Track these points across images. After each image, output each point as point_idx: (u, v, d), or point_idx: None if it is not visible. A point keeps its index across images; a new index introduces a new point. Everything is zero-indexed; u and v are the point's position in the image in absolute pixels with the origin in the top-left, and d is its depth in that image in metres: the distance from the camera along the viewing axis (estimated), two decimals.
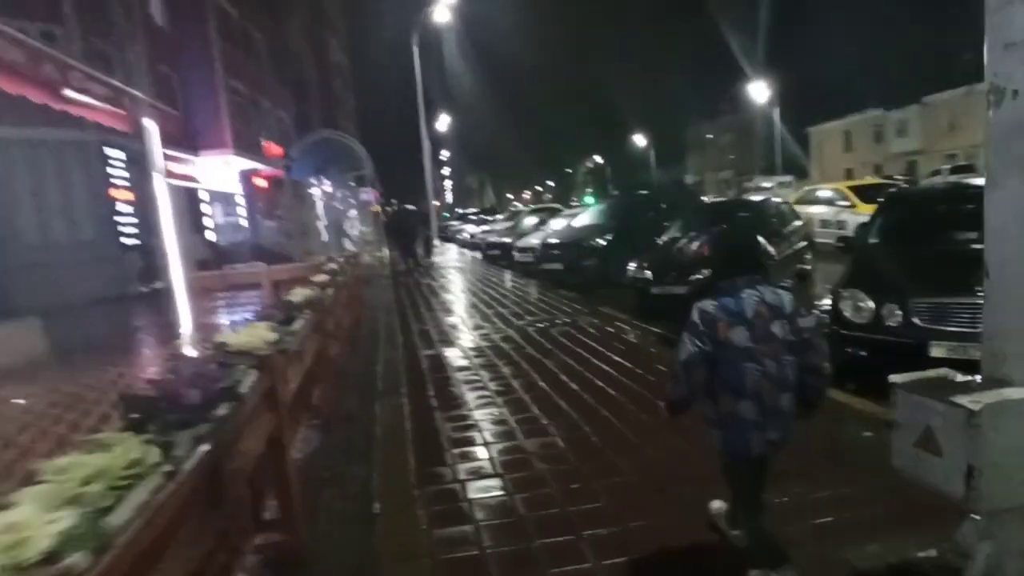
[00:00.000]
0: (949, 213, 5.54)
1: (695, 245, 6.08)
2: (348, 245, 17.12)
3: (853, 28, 45.25)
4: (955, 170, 31.05)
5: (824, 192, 14.45)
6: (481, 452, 3.65)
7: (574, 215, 14.99)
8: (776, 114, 49.34)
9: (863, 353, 4.46)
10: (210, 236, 21.86)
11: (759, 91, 49.67)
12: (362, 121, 47.50)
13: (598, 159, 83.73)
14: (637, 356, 5.59)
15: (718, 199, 14.44)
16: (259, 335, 2.66)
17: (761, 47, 52.95)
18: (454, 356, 6.19)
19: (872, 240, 5.66)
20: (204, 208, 21.68)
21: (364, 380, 5.58)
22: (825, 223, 13.34)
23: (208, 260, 20.68)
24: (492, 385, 5.01)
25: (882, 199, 6.75)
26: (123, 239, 15.76)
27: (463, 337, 7.16)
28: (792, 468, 2.93)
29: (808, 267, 9.88)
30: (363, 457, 3.72)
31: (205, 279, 10.78)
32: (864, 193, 13.07)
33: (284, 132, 27.92)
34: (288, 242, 17.59)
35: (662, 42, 76.36)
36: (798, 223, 10.08)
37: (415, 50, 25.81)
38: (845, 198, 13.12)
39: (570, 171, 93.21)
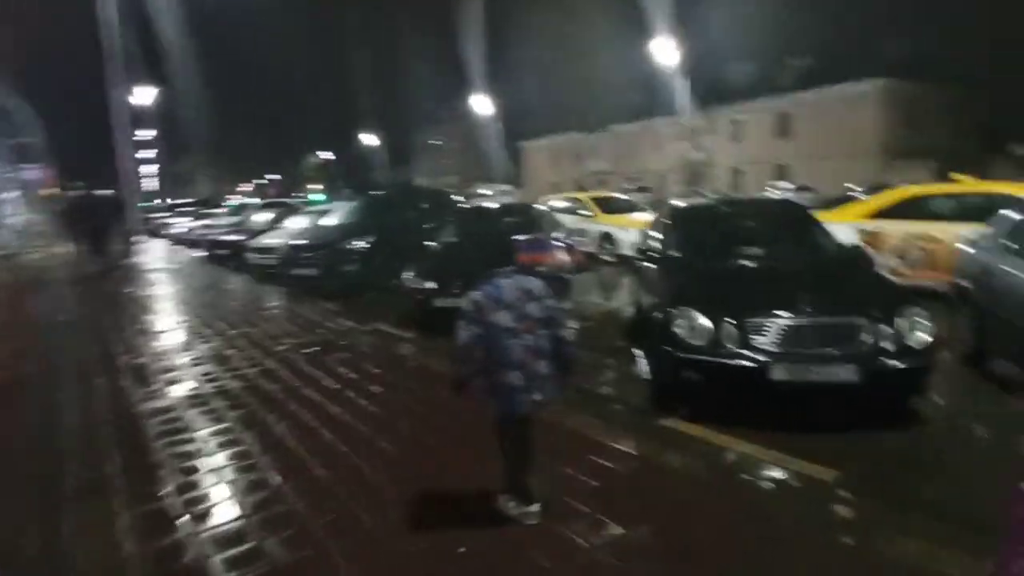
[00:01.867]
0: (739, 229, 5.80)
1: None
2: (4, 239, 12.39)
3: (559, 57, 51.06)
4: (638, 189, 37.25)
5: (564, 202, 15.23)
6: None
7: (320, 213, 13.21)
8: (495, 127, 53.13)
9: (698, 377, 4.19)
10: None
11: (481, 104, 52.85)
12: (31, 83, 36.33)
13: (327, 155, 79.64)
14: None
15: (489, 204, 14.17)
16: None
17: (482, 64, 56.39)
18: (195, 409, 4.31)
19: (673, 254, 5.60)
20: None
21: (39, 467, 3.44)
22: (568, 232, 14.04)
23: None
24: (267, 459, 3.43)
25: (666, 211, 6.89)
26: None
27: (203, 374, 5.19)
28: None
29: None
30: None
31: None
32: (602, 204, 14.09)
33: None
34: None
35: (395, 44, 75.87)
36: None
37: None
38: (586, 208, 13.96)
39: (297, 166, 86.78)
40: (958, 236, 6.90)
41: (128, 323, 7.51)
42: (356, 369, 5.18)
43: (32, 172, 14.53)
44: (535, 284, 2.62)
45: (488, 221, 8.57)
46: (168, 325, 7.39)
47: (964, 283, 5.59)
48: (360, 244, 9.80)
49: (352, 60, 70.49)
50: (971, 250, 5.74)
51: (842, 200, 16.40)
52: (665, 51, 35.43)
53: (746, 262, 5.17)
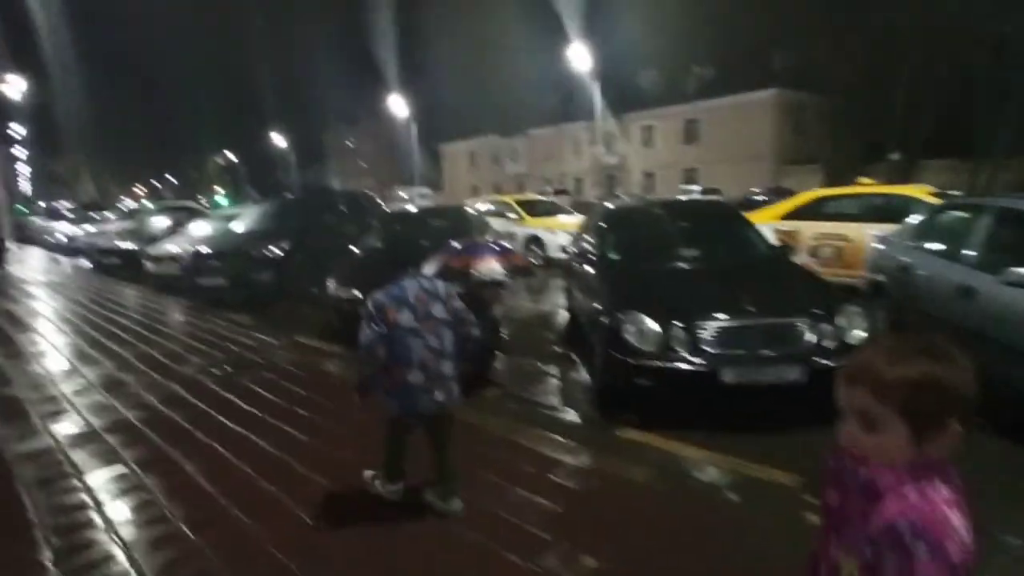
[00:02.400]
0: (675, 230, 5.75)
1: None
2: None
3: (476, 60, 51.04)
4: (557, 192, 37.78)
5: (490, 205, 15.02)
6: None
7: (227, 217, 12.25)
8: (413, 128, 52.29)
9: (650, 383, 4.06)
10: None
11: (397, 105, 51.87)
12: None
13: (230, 155, 75.09)
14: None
15: (417, 208, 13.63)
16: None
17: (398, 65, 55.30)
18: (82, 449, 3.65)
19: (612, 256, 5.48)
20: None
21: None
22: (496, 235, 13.82)
23: None
24: (176, 507, 2.91)
25: (596, 213, 6.80)
26: None
27: (92, 405, 4.48)
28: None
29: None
30: None
31: None
32: (528, 207, 13.97)
33: None
34: None
35: (305, 40, 72.72)
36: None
37: None
38: (512, 210, 13.80)
39: (196, 167, 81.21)
40: (867, 235, 7.29)
41: None
42: (278, 390, 4.67)
43: None
44: (440, 285, 2.70)
45: (417, 225, 8.15)
46: (47, 347, 6.45)
47: (879, 278, 5.85)
48: (274, 250, 9.09)
49: (257, 55, 66.91)
50: (885, 248, 6.03)
51: (745, 202, 17.32)
52: (580, 57, 36.22)
53: (684, 264, 5.13)
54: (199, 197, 57.02)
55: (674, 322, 4.04)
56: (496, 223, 13.81)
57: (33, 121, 48.54)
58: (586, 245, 6.41)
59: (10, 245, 16.97)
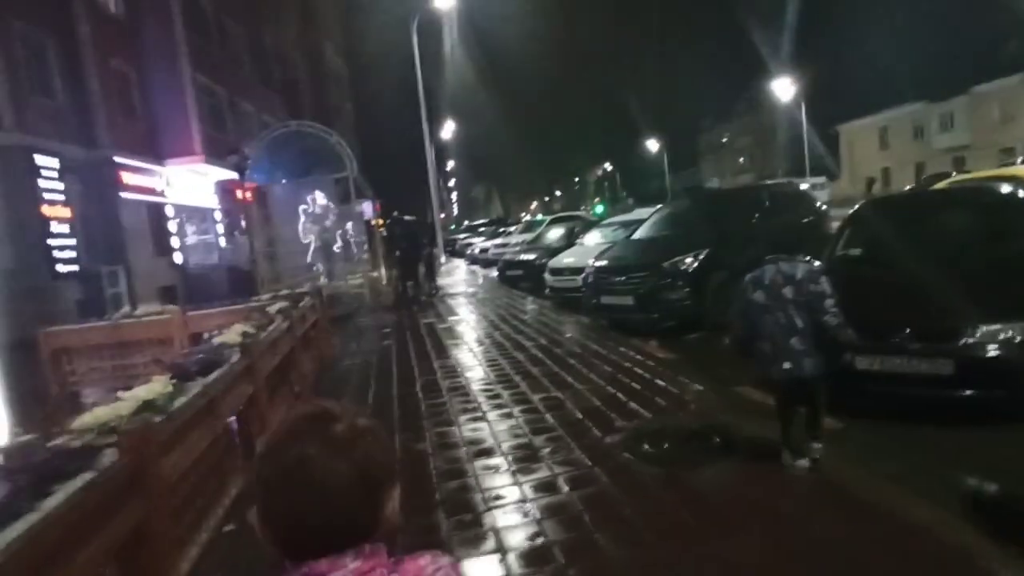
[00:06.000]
0: None
1: None
2: (325, 271, 13.42)
3: (886, 18, 41.60)
4: None
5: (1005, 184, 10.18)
6: None
7: (624, 224, 11.13)
8: (803, 112, 45.51)
9: None
10: (177, 258, 18.34)
11: (783, 89, 45.93)
12: (362, 133, 43.67)
13: (607, 166, 79.78)
14: None
15: (898, 194, 10.27)
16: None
17: (786, 42, 48.94)
18: None
19: None
20: (171, 226, 18.19)
21: None
22: None
23: (172, 287, 17.05)
24: None
25: None
26: (58, 265, 13.08)
27: (502, 491, 3.22)
28: None
29: None
30: None
31: (80, 334, 7.00)
32: None
33: None
34: (254, 266, 13.75)
35: (673, 43, 72.31)
36: None
37: (416, 53, 22.46)
38: None
39: (577, 179, 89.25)
40: None
41: (420, 376, 6.13)
42: (750, 506, 2.69)
43: (363, 206, 15.75)
44: (800, 269, 2.97)
45: (923, 216, 5.16)
46: (462, 380, 5.80)
47: None
48: (688, 262, 7.29)
49: (631, 62, 69.31)
50: None
51: None
52: None
53: None
54: (582, 207, 61.80)
55: None
56: None
57: (459, 156, 60.18)
58: None
59: (441, 259, 19.89)
